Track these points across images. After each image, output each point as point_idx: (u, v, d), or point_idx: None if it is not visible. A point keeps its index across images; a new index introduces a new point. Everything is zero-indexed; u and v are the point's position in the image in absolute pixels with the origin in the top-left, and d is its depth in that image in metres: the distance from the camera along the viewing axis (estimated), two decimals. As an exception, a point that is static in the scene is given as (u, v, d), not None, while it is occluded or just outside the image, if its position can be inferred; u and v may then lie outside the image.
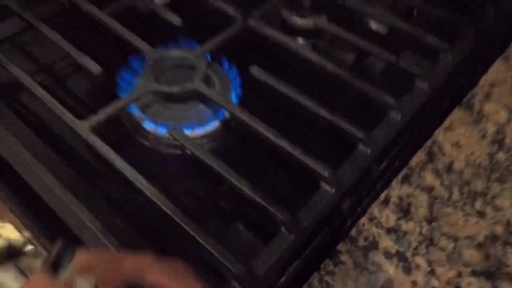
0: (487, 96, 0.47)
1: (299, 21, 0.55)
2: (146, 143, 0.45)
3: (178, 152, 0.44)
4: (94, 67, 0.44)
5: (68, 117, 0.38)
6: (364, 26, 0.58)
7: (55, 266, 0.23)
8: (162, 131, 0.44)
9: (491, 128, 0.44)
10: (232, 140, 0.46)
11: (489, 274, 0.35)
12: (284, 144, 0.38)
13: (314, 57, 0.46)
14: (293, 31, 0.55)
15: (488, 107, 0.46)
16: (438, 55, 0.47)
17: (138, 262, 0.25)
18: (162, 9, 0.51)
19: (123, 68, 0.47)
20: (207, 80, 0.45)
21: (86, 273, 0.22)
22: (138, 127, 0.45)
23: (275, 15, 0.55)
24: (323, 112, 0.40)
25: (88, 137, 0.37)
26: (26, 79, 0.41)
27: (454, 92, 0.47)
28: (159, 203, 0.34)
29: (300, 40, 0.55)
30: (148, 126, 0.44)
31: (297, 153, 0.37)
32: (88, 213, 0.35)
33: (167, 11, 0.50)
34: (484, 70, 0.49)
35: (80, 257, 0.23)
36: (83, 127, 0.38)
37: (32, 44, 0.51)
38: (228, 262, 0.31)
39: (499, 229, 0.37)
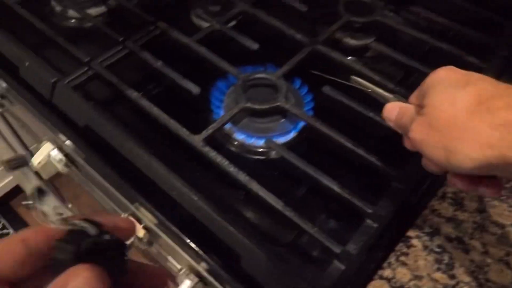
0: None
1: (351, 41, 0.64)
2: (234, 150, 0.54)
3: (262, 157, 0.53)
4: (194, 88, 0.53)
5: (184, 132, 0.47)
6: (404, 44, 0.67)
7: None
8: (250, 141, 0.53)
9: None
10: (306, 147, 0.55)
11: (531, 253, 0.43)
12: (360, 151, 0.46)
13: (373, 76, 0.55)
14: (347, 50, 0.64)
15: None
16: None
17: None
18: (238, 35, 0.59)
19: (213, 88, 0.56)
20: (286, 97, 0.54)
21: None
22: (227, 138, 0.54)
23: (334, 38, 0.64)
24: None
25: (204, 148, 0.46)
26: (145, 103, 0.50)
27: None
28: (269, 200, 0.43)
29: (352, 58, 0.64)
30: (239, 136, 0.53)
31: (371, 158, 0.46)
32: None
33: (245, 37, 0.59)
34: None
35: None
36: (198, 140, 0.47)
37: (130, 68, 0.60)
38: (329, 243, 0.40)
39: (537, 217, 0.46)
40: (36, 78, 0.54)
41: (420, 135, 0.32)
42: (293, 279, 0.38)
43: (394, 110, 0.36)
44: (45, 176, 0.59)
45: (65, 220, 0.22)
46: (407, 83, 0.61)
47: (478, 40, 0.61)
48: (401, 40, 0.68)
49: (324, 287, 0.39)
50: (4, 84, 0.59)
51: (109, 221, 0.23)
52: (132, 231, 0.24)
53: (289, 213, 0.42)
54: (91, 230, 0.21)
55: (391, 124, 0.38)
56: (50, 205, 0.23)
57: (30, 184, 0.24)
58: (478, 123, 0.28)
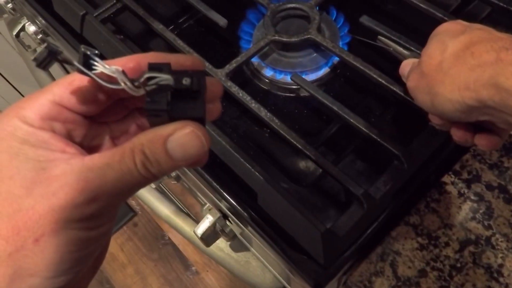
0: None
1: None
2: (264, 87, 0.51)
3: (293, 94, 0.50)
4: (221, 20, 0.50)
5: (207, 66, 0.45)
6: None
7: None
8: (279, 77, 0.50)
9: None
10: (339, 84, 0.51)
11: None
12: (396, 87, 0.42)
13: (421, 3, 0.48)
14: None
15: None
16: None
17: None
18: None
19: (242, 20, 0.53)
20: (319, 30, 0.49)
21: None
22: (257, 73, 0.51)
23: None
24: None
25: (226, 83, 0.44)
26: (170, 36, 0.49)
27: None
28: (289, 138, 0.41)
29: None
30: (268, 72, 0.50)
31: (408, 96, 0.41)
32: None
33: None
34: None
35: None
36: (221, 74, 0.45)
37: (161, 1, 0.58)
38: (350, 186, 0.38)
39: None
40: (67, 11, 0.53)
41: (412, 83, 0.33)
42: (307, 217, 0.37)
43: (407, 66, 0.36)
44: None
45: (134, 82, 0.20)
46: (462, 13, 0.54)
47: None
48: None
49: (341, 229, 0.37)
50: (43, 21, 0.60)
51: (175, 61, 0.22)
52: (201, 66, 0.23)
53: (309, 152, 0.40)
54: (169, 80, 0.20)
55: (404, 80, 0.36)
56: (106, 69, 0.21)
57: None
58: (460, 67, 0.28)
